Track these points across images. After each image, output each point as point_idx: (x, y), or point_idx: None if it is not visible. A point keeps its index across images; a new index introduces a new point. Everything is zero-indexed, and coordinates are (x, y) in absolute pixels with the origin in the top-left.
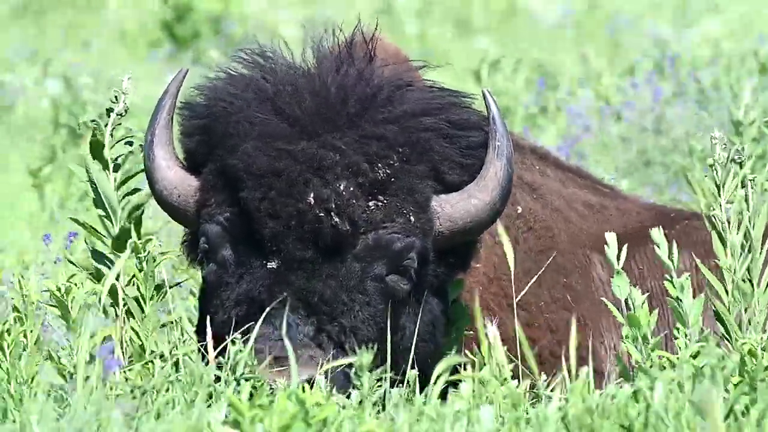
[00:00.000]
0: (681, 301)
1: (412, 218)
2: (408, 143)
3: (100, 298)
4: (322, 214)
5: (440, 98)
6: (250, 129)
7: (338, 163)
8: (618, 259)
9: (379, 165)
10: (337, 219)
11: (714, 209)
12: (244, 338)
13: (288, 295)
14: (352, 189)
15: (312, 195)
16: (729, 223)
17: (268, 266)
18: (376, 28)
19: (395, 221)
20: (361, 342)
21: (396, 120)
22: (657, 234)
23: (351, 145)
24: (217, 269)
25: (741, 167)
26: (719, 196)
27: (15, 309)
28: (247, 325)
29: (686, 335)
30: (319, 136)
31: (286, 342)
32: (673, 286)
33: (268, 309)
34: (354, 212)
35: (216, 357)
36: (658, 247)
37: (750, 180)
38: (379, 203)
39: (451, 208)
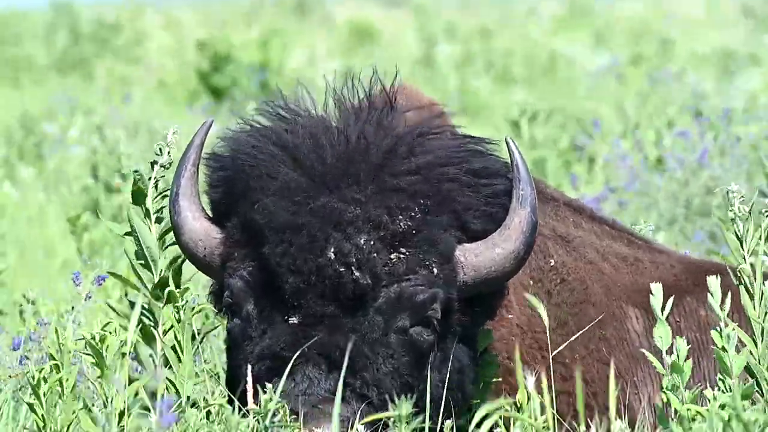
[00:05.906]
0: (726, 351)
1: (435, 269)
2: (430, 194)
3: (134, 347)
4: (342, 269)
5: (463, 146)
6: (271, 183)
7: (358, 216)
8: (663, 309)
9: (400, 217)
10: (357, 273)
11: (739, 263)
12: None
13: (309, 351)
14: (372, 242)
15: (332, 250)
16: (755, 275)
17: (289, 321)
18: (392, 79)
19: (418, 273)
20: (385, 395)
21: (417, 171)
22: (714, 282)
23: (371, 198)
24: (241, 323)
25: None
26: (742, 249)
27: (51, 357)
28: (271, 381)
29: (729, 387)
30: (340, 189)
31: (305, 398)
32: (720, 336)
33: (290, 365)
34: (375, 265)
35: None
36: (713, 296)
37: None
38: (401, 255)
39: (476, 258)
